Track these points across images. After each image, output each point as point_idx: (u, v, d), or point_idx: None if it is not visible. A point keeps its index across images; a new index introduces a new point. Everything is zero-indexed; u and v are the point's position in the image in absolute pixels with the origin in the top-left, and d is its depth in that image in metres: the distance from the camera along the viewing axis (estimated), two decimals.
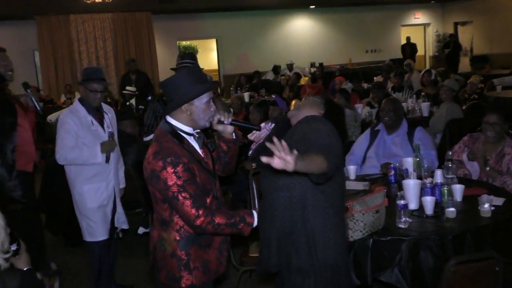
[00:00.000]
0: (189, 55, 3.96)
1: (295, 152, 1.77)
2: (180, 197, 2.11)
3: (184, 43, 16.00)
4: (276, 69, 13.29)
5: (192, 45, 16.45)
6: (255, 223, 2.22)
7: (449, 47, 14.83)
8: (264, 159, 1.73)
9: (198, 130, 2.30)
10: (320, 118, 2.30)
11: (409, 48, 14.91)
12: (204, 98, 2.21)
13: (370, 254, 2.61)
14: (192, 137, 2.27)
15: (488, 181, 3.60)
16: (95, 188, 3.63)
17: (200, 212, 2.12)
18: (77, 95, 3.63)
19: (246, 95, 10.02)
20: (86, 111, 3.59)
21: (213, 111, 2.26)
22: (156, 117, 3.89)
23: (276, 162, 1.74)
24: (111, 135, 3.67)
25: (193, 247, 2.24)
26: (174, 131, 2.22)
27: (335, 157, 2.04)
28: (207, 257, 2.28)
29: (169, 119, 2.25)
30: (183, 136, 2.23)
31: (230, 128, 2.36)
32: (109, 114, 3.77)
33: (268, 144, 1.75)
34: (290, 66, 13.22)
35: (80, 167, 3.57)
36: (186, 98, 2.19)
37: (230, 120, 2.33)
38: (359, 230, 2.58)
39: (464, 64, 14.97)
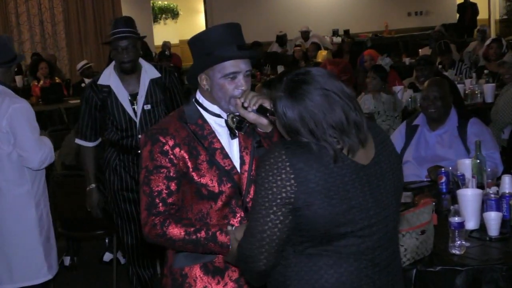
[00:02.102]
0: (123, 21, 3.89)
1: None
2: (141, 190, 2.18)
3: (160, 2, 16.03)
4: (281, 40, 13.26)
5: (171, 5, 16.47)
6: (231, 244, 2.10)
7: None
8: None
9: (236, 113, 2.27)
10: (281, 148, 1.84)
11: (470, 9, 14.86)
12: (223, 70, 2.18)
13: None
14: (221, 120, 2.28)
15: None
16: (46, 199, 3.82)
17: (150, 219, 2.14)
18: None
19: None
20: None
21: (239, 92, 2.21)
22: (91, 112, 3.92)
23: None
24: None
25: (193, 267, 2.25)
26: (194, 108, 2.28)
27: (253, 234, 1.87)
28: (215, 287, 2.26)
29: (197, 94, 2.31)
30: (201, 115, 2.26)
31: (263, 119, 2.25)
32: None
33: None
34: (305, 34, 13.20)
35: (41, 174, 3.74)
36: (199, 65, 2.21)
37: (255, 107, 2.20)
38: None
39: None
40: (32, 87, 9.27)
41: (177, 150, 2.17)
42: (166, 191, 2.16)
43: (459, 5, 15.29)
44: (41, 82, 9.48)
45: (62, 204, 4.52)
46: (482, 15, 15.84)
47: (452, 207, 2.91)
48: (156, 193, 2.15)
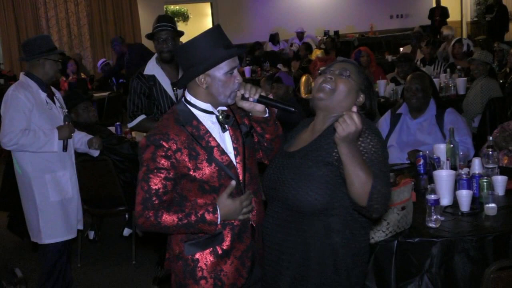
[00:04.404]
0: (164, 18, 3.97)
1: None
2: (139, 186, 2.13)
3: (172, 7, 15.92)
4: (273, 38, 13.22)
5: (182, 9, 16.37)
6: (219, 220, 2.13)
7: (492, 12, 14.64)
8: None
9: (224, 108, 2.24)
10: (368, 121, 2.14)
11: (439, 13, 14.72)
12: (224, 67, 2.15)
13: (395, 259, 2.62)
14: (212, 116, 2.22)
15: None
16: (58, 178, 3.73)
17: (145, 212, 2.11)
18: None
19: (246, 70, 10.04)
20: (38, 87, 3.67)
21: (237, 85, 2.19)
22: (140, 97, 3.90)
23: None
24: (67, 118, 3.76)
25: (204, 252, 2.22)
26: (187, 109, 2.20)
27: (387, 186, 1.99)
28: (223, 267, 2.24)
29: (187, 95, 2.23)
30: (195, 115, 2.19)
31: (259, 106, 2.24)
32: (57, 94, 3.88)
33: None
34: (300, 35, 13.15)
35: (39, 157, 3.66)
36: (200, 67, 2.12)
37: (256, 96, 2.20)
38: (382, 230, 2.58)
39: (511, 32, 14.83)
40: (60, 82, 9.24)
41: (178, 154, 2.13)
42: (163, 190, 2.12)
43: (431, 9, 15.14)
44: (70, 77, 9.48)
45: (87, 185, 4.51)
46: (455, 17, 15.75)
47: (428, 186, 2.91)
48: (153, 190, 2.11)
